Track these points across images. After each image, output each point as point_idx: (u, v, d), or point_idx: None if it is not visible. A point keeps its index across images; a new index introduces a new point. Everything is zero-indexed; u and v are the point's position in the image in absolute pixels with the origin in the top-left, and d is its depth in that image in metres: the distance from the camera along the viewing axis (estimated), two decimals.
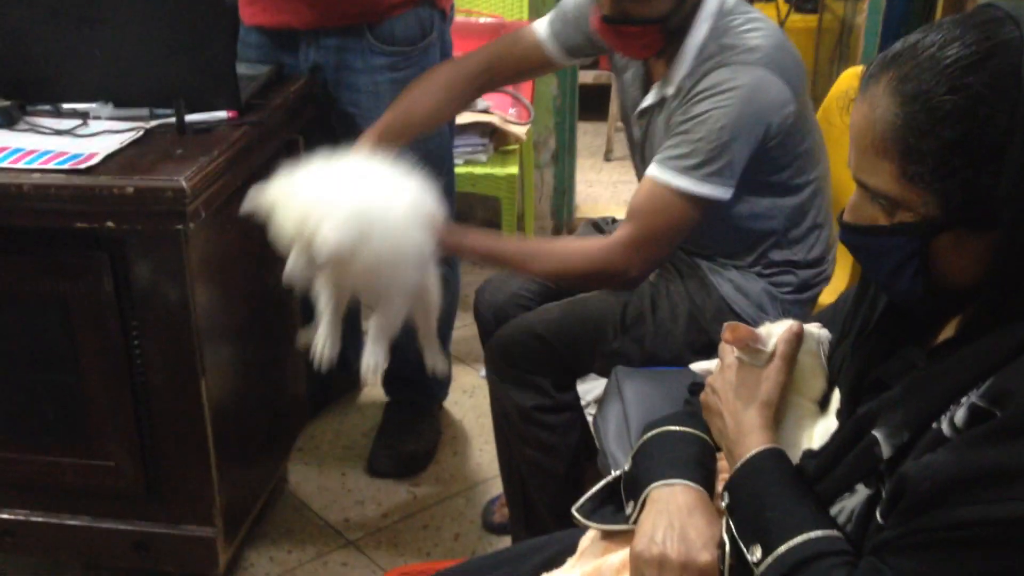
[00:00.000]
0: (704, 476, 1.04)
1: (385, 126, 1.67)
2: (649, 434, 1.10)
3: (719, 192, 1.47)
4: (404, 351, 2.27)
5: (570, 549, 1.12)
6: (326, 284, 1.45)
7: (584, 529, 1.12)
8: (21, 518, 1.83)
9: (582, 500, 1.11)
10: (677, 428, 1.09)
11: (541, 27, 1.71)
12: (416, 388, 2.30)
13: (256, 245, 1.95)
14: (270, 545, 2.03)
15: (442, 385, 2.36)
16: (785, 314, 1.65)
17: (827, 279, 1.71)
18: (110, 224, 1.53)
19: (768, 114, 1.46)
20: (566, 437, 1.68)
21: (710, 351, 1.12)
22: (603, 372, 1.64)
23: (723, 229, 1.59)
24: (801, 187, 1.59)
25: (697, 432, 1.08)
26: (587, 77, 3.92)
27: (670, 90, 1.53)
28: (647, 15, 1.47)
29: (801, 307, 1.68)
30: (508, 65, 1.75)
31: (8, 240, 1.61)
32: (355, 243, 1.27)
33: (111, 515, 1.81)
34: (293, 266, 1.31)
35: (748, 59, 1.45)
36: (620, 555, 1.03)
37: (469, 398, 2.48)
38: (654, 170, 1.48)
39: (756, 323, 1.62)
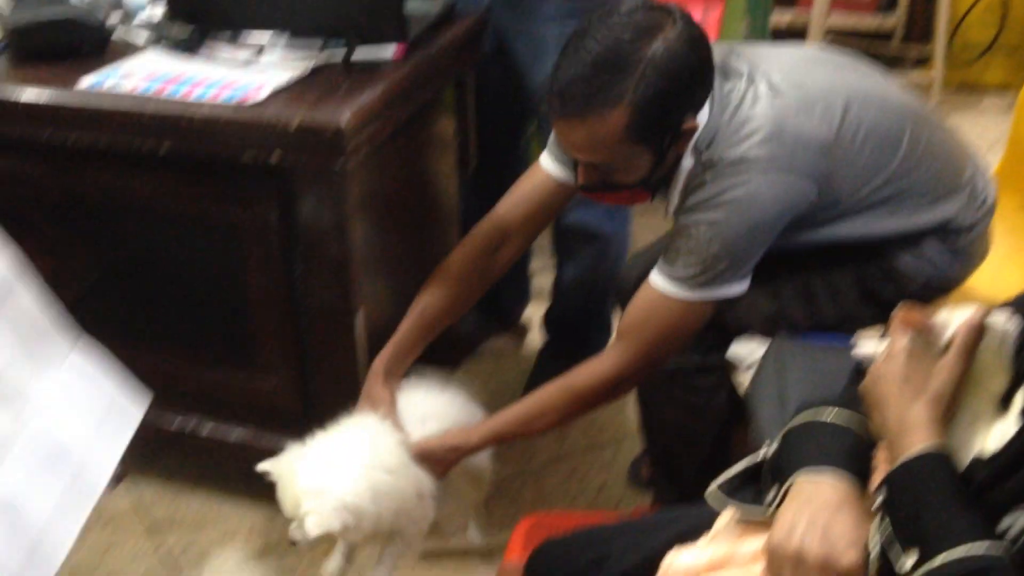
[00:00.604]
0: (856, 470, 0.95)
1: (393, 351, 1.65)
2: (802, 416, 1.03)
3: (721, 293, 1.42)
4: (569, 295, 2.26)
5: (707, 524, 1.06)
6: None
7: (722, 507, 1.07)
8: (192, 427, 1.93)
9: (721, 479, 1.05)
10: (833, 413, 1.01)
11: (543, 158, 1.62)
12: (575, 335, 2.27)
13: (416, 178, 1.97)
14: None
15: (602, 336, 2.32)
16: (960, 255, 1.54)
17: (990, 211, 1.58)
18: (275, 158, 1.56)
19: (774, 215, 1.38)
20: (712, 399, 1.61)
21: (885, 311, 1.02)
22: (762, 333, 1.56)
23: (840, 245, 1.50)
24: (890, 184, 1.46)
25: (854, 421, 1.00)
26: (782, 17, 3.66)
27: (671, 207, 1.46)
28: (627, 182, 1.40)
29: (978, 242, 1.57)
30: (520, 213, 1.64)
31: (188, 169, 1.68)
32: (346, 525, 1.45)
33: (271, 431, 1.88)
34: (293, 534, 1.47)
35: (739, 171, 1.35)
36: (755, 543, 0.97)
37: None
38: (652, 278, 1.44)
39: (930, 280, 1.52)
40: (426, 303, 1.68)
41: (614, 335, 1.51)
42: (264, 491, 1.52)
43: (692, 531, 1.07)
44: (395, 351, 1.67)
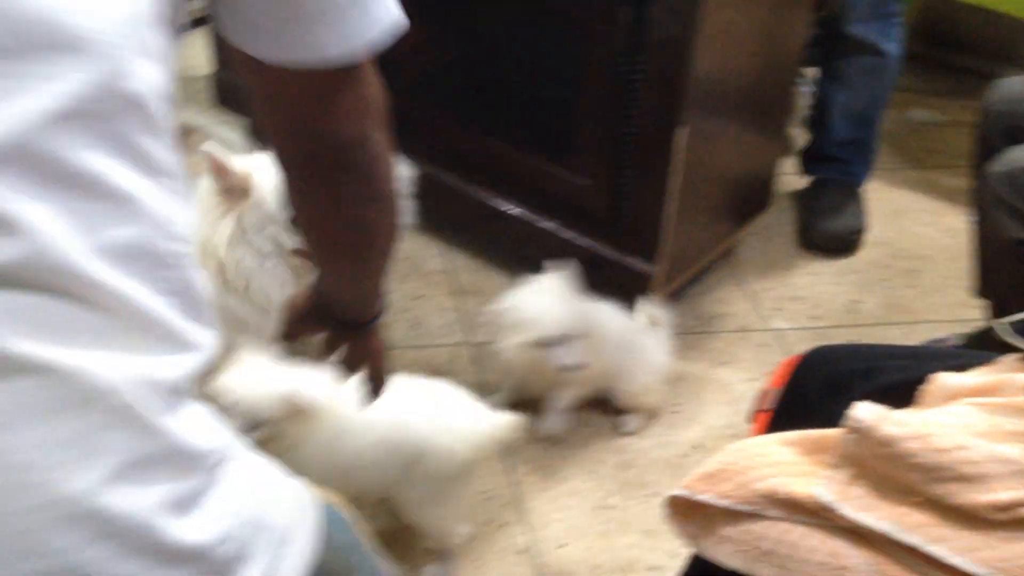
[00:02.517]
0: None
1: None
2: None
3: None
4: (836, 124, 2.23)
5: (985, 362, 1.07)
6: None
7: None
8: (506, 209, 2.10)
9: (1016, 316, 1.05)
10: None
11: None
12: (836, 168, 2.27)
13: (773, 18, 1.95)
14: (697, 302, 2.14)
15: (863, 170, 2.30)
16: None
17: None
18: None
19: None
20: None
21: None
22: None
23: None
24: None
25: None
26: None
27: None
28: None
29: None
30: None
31: None
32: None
33: (575, 229, 2.01)
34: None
35: None
36: None
37: None
38: None
39: None
40: None
41: None
42: None
43: (969, 365, 1.08)
44: None
